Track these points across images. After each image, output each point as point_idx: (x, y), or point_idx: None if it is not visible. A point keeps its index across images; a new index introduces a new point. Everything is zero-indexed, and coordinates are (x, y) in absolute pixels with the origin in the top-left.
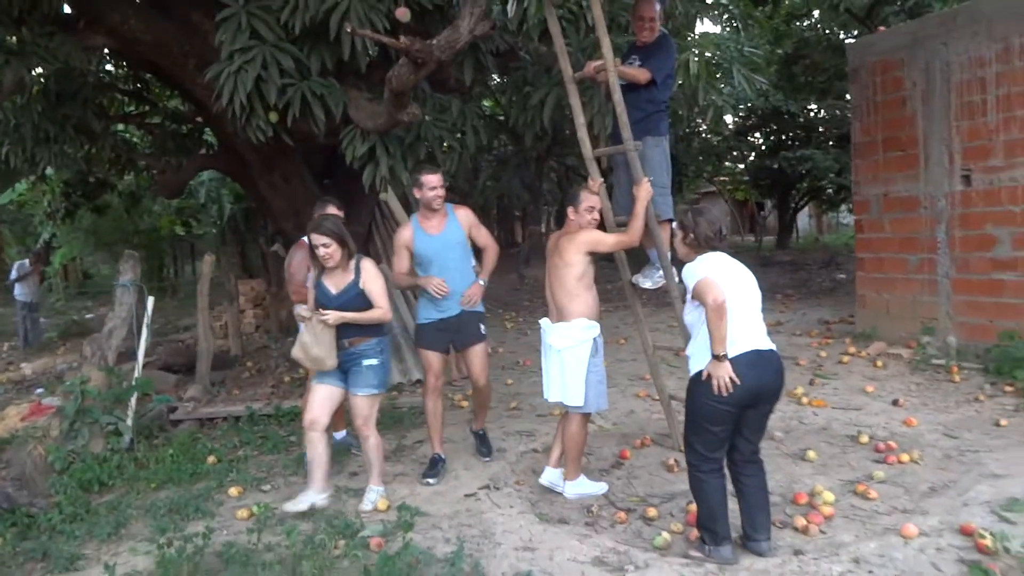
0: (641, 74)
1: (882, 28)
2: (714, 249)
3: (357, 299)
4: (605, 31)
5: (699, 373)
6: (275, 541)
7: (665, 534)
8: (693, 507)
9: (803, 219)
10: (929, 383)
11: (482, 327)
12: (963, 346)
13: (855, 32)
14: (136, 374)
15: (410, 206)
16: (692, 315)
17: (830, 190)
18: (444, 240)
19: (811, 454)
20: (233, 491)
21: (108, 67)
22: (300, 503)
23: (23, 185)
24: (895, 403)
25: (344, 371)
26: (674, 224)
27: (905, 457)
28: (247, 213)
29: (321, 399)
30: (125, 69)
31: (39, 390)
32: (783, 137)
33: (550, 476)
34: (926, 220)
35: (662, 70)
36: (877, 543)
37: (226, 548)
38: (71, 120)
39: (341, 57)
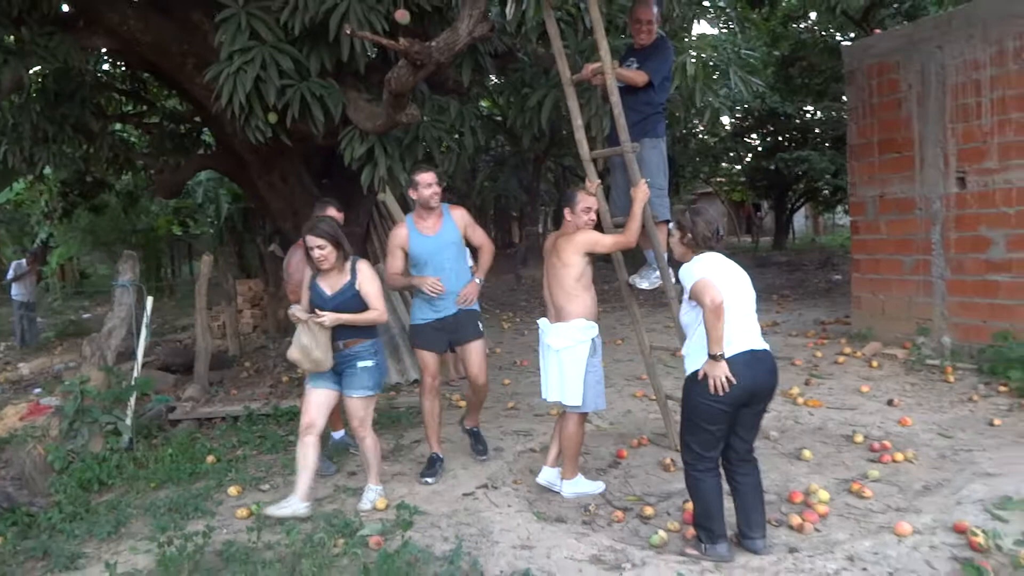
0: (639, 77)
1: (878, 31)
2: (711, 249)
3: (353, 300)
4: (603, 33)
5: (695, 373)
6: (275, 540)
7: (662, 532)
8: (689, 506)
9: (799, 220)
10: (924, 383)
11: (479, 324)
12: (958, 347)
13: (851, 34)
14: (135, 374)
15: (408, 206)
16: (688, 315)
17: (826, 191)
18: (440, 240)
19: (806, 453)
20: (232, 490)
21: (105, 66)
22: (283, 508)
23: (21, 184)
24: (890, 403)
25: (338, 373)
26: (671, 224)
27: (899, 456)
28: (245, 213)
29: (317, 403)
30: (123, 68)
31: (37, 390)
32: (780, 138)
33: (547, 475)
34: (921, 222)
35: (659, 72)
36: (871, 541)
37: (226, 547)
38: (69, 120)
39: (340, 58)
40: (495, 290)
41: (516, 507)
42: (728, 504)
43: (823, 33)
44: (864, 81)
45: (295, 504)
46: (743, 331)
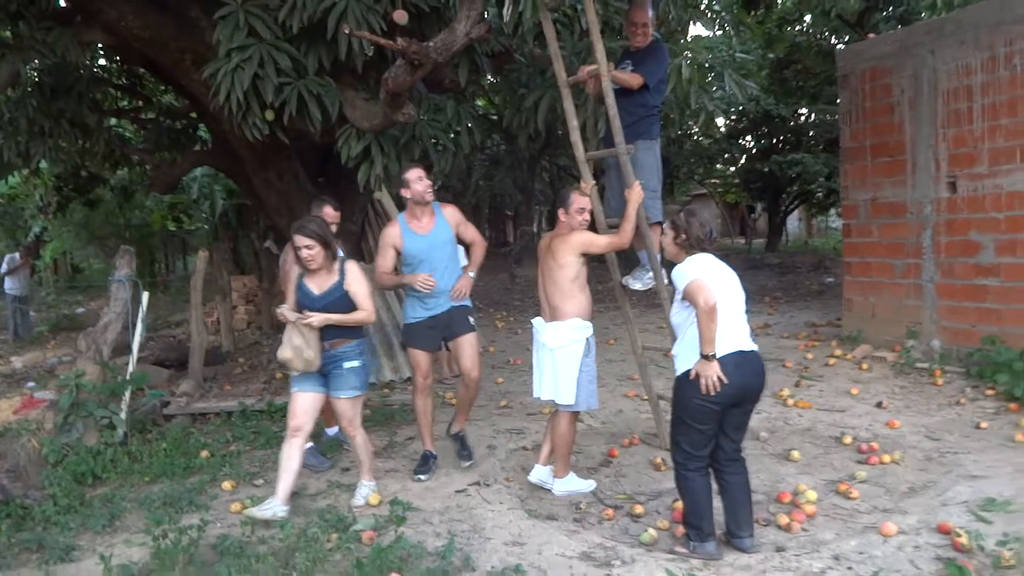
0: (634, 79)
1: (872, 35)
2: (703, 251)
3: (341, 301)
4: (599, 36)
5: (686, 372)
6: (268, 534)
7: (651, 530)
8: (679, 504)
9: (793, 222)
10: (913, 386)
11: (471, 319)
12: (947, 350)
13: (846, 38)
14: (130, 368)
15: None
16: (680, 315)
17: (820, 194)
18: (433, 240)
19: (795, 454)
20: (226, 485)
21: (102, 61)
22: (264, 511)
23: (15, 178)
24: (879, 405)
25: (323, 374)
26: (665, 224)
27: (887, 458)
28: (239, 209)
29: (304, 407)
30: (118, 63)
31: (30, 383)
32: (774, 141)
33: (539, 473)
34: (912, 225)
35: (654, 75)
36: (857, 541)
37: (220, 540)
38: (66, 114)
39: (338, 57)
40: (489, 289)
41: (508, 504)
42: (717, 503)
43: (818, 36)
44: (857, 85)
45: (275, 506)
46: (732, 332)
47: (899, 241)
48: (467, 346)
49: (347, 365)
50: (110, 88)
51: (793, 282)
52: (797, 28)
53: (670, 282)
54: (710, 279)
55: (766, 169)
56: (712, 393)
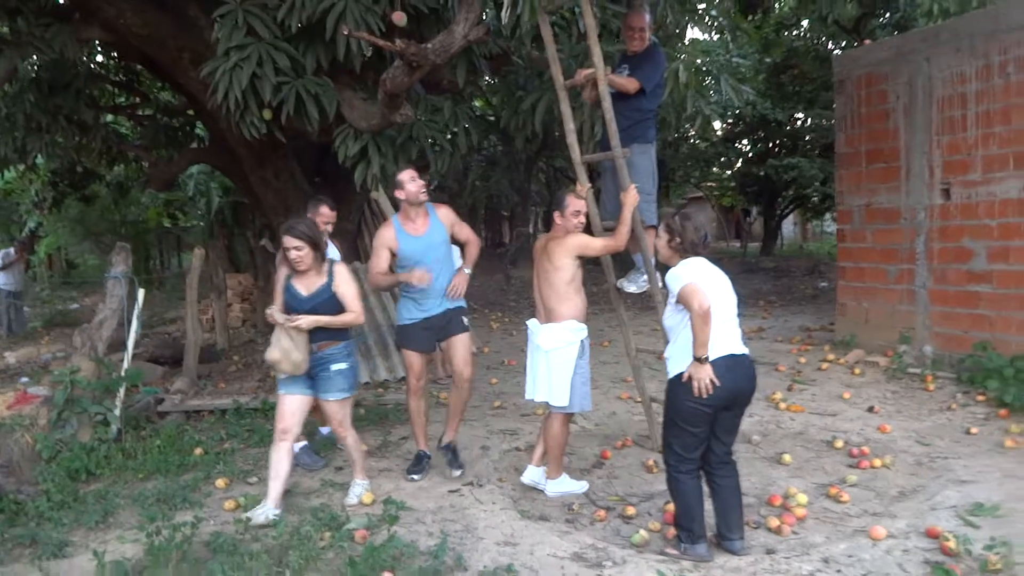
0: (630, 84)
1: (868, 41)
2: (697, 255)
3: (329, 302)
4: (596, 40)
5: (679, 375)
6: (262, 532)
7: (643, 532)
8: (670, 506)
9: (788, 226)
10: (904, 391)
11: (465, 320)
12: (938, 356)
13: (843, 43)
14: (125, 365)
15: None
16: (673, 318)
17: (815, 199)
18: (428, 241)
19: (787, 458)
20: (220, 482)
21: (99, 58)
22: (259, 516)
23: (11, 173)
24: (871, 410)
25: (311, 376)
26: (660, 226)
27: (878, 462)
28: (235, 207)
29: (291, 410)
30: (116, 60)
31: (24, 379)
32: (770, 145)
33: (532, 474)
34: (906, 231)
35: (651, 80)
36: (847, 544)
37: (214, 538)
38: (63, 110)
39: (336, 57)
40: (485, 290)
41: (501, 504)
42: (708, 506)
43: (815, 41)
44: (853, 91)
45: (268, 510)
46: (725, 336)
47: (893, 247)
48: (460, 346)
49: (335, 367)
50: (107, 85)
51: (787, 286)
52: (794, 33)
53: (664, 285)
54: (704, 283)
55: (762, 173)
56: (704, 396)
